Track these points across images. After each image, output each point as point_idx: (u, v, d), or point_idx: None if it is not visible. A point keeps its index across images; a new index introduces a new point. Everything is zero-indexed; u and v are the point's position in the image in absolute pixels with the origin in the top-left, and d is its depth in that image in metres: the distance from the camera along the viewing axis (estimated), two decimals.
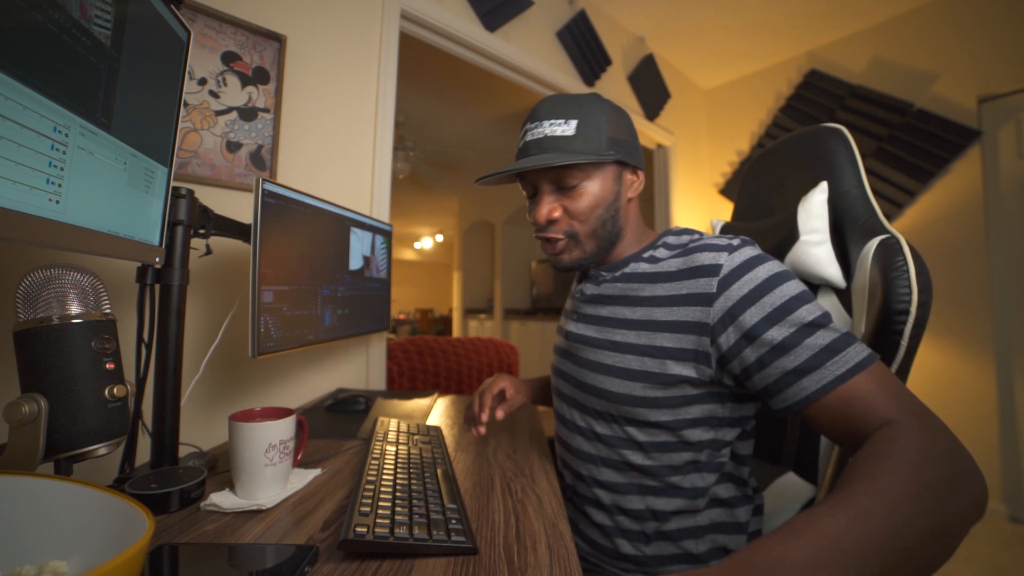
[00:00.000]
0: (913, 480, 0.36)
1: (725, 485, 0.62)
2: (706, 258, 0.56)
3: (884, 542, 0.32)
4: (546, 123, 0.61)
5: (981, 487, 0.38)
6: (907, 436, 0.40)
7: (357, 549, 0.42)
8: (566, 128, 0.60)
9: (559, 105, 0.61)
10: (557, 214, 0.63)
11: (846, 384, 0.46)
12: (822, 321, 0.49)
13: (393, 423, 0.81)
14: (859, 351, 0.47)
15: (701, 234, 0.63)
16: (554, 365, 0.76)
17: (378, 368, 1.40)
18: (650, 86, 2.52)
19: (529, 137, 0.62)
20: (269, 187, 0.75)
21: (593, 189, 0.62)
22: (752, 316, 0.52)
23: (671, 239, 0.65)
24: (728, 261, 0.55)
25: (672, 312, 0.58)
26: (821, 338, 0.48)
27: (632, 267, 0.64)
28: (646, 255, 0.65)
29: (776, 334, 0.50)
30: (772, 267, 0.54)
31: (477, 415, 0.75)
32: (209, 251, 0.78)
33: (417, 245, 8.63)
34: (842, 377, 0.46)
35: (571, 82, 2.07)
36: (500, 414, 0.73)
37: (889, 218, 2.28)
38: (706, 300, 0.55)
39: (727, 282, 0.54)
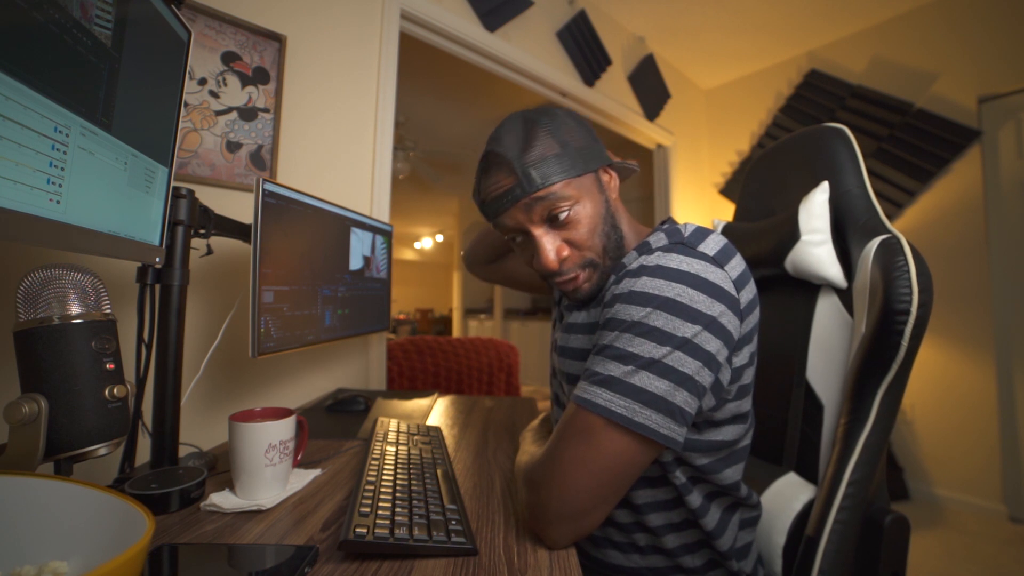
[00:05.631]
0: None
1: (714, 501, 0.58)
2: (620, 287, 0.50)
3: None
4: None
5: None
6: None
7: (357, 550, 0.42)
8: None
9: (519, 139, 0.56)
10: (566, 252, 0.56)
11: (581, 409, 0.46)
12: (643, 362, 0.44)
13: (393, 423, 0.81)
14: (611, 399, 0.44)
15: (681, 244, 0.51)
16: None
17: (378, 368, 1.40)
18: (650, 86, 2.52)
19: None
20: (269, 187, 0.75)
21: (586, 210, 0.55)
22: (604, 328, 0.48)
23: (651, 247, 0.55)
24: (625, 285, 0.49)
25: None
26: (614, 368, 0.45)
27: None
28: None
29: (604, 339, 0.47)
30: (650, 284, 0.46)
31: None
32: (210, 251, 0.78)
33: (417, 245, 8.62)
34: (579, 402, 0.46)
35: (571, 82, 2.07)
36: None
37: (889, 218, 2.27)
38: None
39: (608, 304, 0.50)
